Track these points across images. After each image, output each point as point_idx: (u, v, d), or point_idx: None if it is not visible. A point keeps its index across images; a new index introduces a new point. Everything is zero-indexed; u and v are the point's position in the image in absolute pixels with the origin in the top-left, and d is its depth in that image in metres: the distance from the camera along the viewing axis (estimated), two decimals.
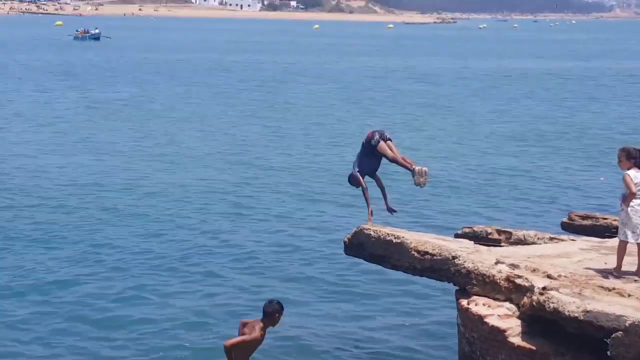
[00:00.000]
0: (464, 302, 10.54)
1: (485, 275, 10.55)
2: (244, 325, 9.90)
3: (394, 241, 11.73)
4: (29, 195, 22.92)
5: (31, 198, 22.57)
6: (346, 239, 12.53)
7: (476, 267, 10.71)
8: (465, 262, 10.88)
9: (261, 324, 9.78)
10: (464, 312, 10.42)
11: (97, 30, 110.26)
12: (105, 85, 52.93)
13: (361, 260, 13.14)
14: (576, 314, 9.05)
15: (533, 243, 12.83)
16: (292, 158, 29.31)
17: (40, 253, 17.81)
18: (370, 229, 12.17)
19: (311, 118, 39.92)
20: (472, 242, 12.26)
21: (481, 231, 13.48)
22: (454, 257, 11.03)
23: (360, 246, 12.26)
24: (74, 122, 37.14)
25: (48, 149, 30.13)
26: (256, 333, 9.69)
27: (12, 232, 19.17)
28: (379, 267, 12.97)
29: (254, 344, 9.74)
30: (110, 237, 19.05)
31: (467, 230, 13.72)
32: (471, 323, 10.27)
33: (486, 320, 10.01)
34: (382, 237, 11.91)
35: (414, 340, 13.58)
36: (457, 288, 11.08)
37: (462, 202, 23.09)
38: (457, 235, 13.60)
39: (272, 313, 9.85)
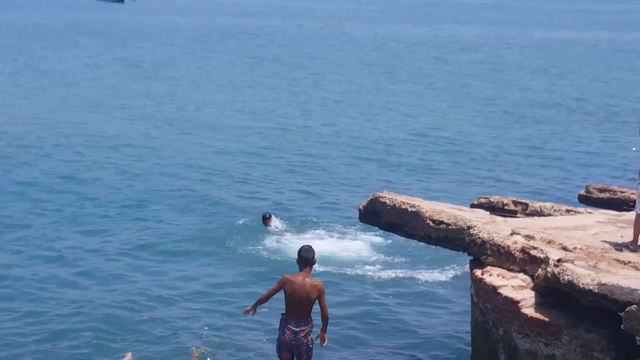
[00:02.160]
0: (478, 272, 10.51)
1: (500, 246, 10.50)
2: (296, 281, 9.66)
3: (409, 210, 11.67)
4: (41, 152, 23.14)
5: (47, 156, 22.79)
6: (361, 207, 12.47)
7: (491, 238, 10.65)
8: (480, 232, 10.83)
9: (307, 272, 9.73)
10: (478, 283, 10.39)
11: None
12: (135, 47, 53.04)
13: (374, 230, 13.12)
14: (591, 287, 9.00)
15: (549, 215, 12.75)
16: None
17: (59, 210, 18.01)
18: (385, 197, 12.12)
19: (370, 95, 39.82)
20: (488, 213, 12.20)
21: (497, 202, 13.41)
22: (469, 227, 10.97)
23: (376, 214, 12.21)
24: (101, 82, 37.35)
25: (72, 107, 30.35)
26: (321, 284, 9.73)
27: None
28: (392, 235, 12.96)
29: None
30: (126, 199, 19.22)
31: (483, 200, 13.65)
32: (485, 293, 10.24)
33: (500, 290, 9.97)
34: (397, 205, 11.86)
35: (426, 308, 13.61)
36: (472, 258, 11.05)
37: (479, 172, 23.01)
38: (472, 205, 13.54)
39: (312, 258, 9.81)
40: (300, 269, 9.76)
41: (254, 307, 9.88)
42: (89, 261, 15.30)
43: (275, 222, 17.20)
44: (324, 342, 9.81)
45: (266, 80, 40.74)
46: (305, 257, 9.75)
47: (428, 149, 25.95)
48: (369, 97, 36.47)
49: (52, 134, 26.11)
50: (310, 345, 9.74)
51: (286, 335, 9.63)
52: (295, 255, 9.95)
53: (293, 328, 9.60)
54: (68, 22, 72.18)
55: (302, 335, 9.62)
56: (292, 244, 15.91)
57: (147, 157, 23.47)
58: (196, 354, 11.39)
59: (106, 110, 31.05)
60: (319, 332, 9.76)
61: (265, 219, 17.20)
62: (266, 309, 12.49)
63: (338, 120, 30.27)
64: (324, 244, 15.92)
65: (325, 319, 9.73)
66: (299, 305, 9.60)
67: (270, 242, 16.35)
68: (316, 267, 14.32)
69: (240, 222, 17.48)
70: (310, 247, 9.95)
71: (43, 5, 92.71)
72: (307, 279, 9.66)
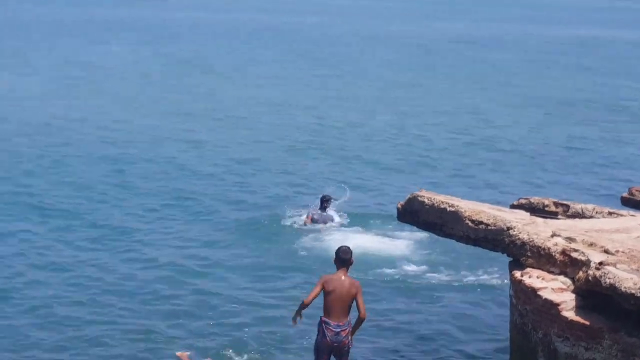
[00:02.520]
0: (517, 273, 10.38)
1: (540, 247, 10.36)
2: (335, 278, 9.70)
3: (448, 209, 11.56)
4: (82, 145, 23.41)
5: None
6: (399, 206, 12.38)
7: (531, 239, 10.52)
8: (520, 233, 10.69)
9: (345, 272, 9.76)
10: (517, 284, 10.27)
11: None
12: (170, 43, 53.47)
13: (413, 228, 13.07)
14: (633, 291, 8.84)
15: (591, 217, 12.56)
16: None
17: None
18: (424, 196, 12.02)
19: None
20: (528, 214, 12.05)
21: (538, 203, 13.24)
22: (508, 228, 10.84)
23: (414, 213, 12.12)
24: (134, 77, 37.68)
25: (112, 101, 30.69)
26: (358, 282, 9.78)
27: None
28: (431, 234, 12.89)
29: None
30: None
31: (523, 201, 13.48)
32: (524, 295, 10.12)
33: (540, 293, 9.84)
34: (436, 204, 11.75)
35: (463, 309, 13.51)
36: (511, 259, 10.92)
37: (519, 172, 22.79)
38: (512, 206, 13.37)
39: (350, 258, 9.86)
40: (338, 269, 9.82)
41: (299, 313, 9.90)
42: (130, 251, 15.62)
43: (330, 213, 17.21)
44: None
45: (305, 77, 40.75)
46: (343, 258, 9.83)
47: (468, 147, 25.76)
48: (406, 94, 36.32)
49: (95, 128, 26.44)
50: (350, 346, 9.75)
51: (327, 338, 9.63)
52: (334, 254, 10.00)
53: (333, 329, 9.60)
54: (108, 17, 72.87)
55: (344, 335, 9.65)
56: (332, 238, 15.97)
57: (189, 151, 23.70)
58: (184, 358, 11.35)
59: (148, 104, 31.34)
60: None
61: (324, 201, 17.21)
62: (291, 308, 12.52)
63: (376, 118, 30.19)
64: (362, 241, 15.97)
65: (360, 319, 9.74)
66: (339, 304, 9.61)
67: (310, 238, 16.37)
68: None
69: (280, 216, 17.55)
70: (348, 247, 10.01)
71: (82, 1, 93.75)
72: (345, 277, 9.73)
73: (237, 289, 13.92)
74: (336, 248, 10.12)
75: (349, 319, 9.72)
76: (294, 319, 9.93)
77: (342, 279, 9.69)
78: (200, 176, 21.17)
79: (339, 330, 9.60)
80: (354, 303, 9.71)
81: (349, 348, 9.76)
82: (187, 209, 18.40)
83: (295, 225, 17.07)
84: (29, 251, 15.41)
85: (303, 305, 9.79)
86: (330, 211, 17.34)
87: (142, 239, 16.31)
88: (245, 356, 11.40)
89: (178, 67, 42.66)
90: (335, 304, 9.62)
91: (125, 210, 18.19)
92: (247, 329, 12.30)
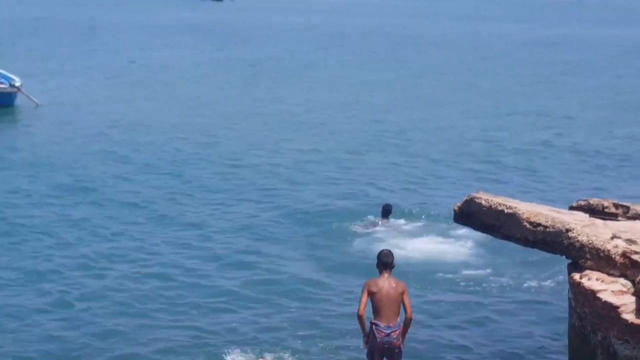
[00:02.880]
0: (576, 276, 10.30)
1: (599, 249, 10.27)
2: (379, 280, 9.82)
3: (506, 211, 11.50)
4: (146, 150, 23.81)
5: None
6: (456, 208, 12.37)
7: (590, 241, 10.43)
8: (579, 235, 10.61)
9: (388, 273, 9.86)
10: (576, 287, 10.20)
11: None
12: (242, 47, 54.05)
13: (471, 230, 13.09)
14: None
15: None
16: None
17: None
18: (481, 198, 11.99)
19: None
20: (587, 215, 11.94)
21: (597, 204, 13.07)
22: (567, 230, 10.76)
23: (471, 215, 12.08)
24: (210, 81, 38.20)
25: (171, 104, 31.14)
26: (403, 284, 9.88)
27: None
28: (488, 236, 12.87)
29: None
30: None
31: (582, 202, 13.33)
32: (583, 298, 10.04)
33: (599, 295, 9.76)
34: (493, 206, 11.70)
35: (521, 311, 13.46)
36: (570, 261, 10.84)
37: (578, 173, 22.52)
38: (571, 208, 13.25)
39: (392, 261, 9.96)
40: (380, 273, 9.94)
41: (364, 330, 9.92)
42: (192, 247, 16.11)
43: (392, 221, 17.33)
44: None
45: (368, 78, 40.72)
46: (385, 261, 9.95)
47: (528, 148, 25.53)
48: (468, 95, 36.12)
49: (160, 129, 26.85)
50: (402, 348, 9.80)
51: (378, 340, 9.69)
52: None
53: (383, 330, 9.66)
54: (170, 20, 73.81)
55: (394, 336, 9.70)
56: (390, 241, 15.90)
57: (246, 155, 23.90)
58: None
59: (211, 105, 31.80)
60: None
61: (386, 211, 17.25)
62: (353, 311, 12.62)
63: (437, 118, 30.13)
64: (421, 243, 16.06)
65: (408, 319, 9.78)
66: (386, 304, 9.69)
67: (368, 241, 16.32)
68: (411, 265, 14.45)
69: (340, 218, 17.66)
70: (390, 251, 10.14)
71: (142, 4, 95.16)
72: (389, 277, 9.85)
73: (295, 288, 14.09)
74: (380, 251, 10.23)
75: (399, 320, 9.77)
76: (365, 341, 9.96)
77: (387, 279, 9.81)
78: (263, 176, 21.37)
79: (389, 331, 9.65)
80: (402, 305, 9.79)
81: (400, 349, 9.79)
82: (248, 208, 18.62)
83: (354, 228, 17.11)
84: (99, 247, 15.94)
85: (359, 317, 9.86)
86: (392, 219, 17.33)
87: (205, 235, 16.73)
88: (300, 355, 11.54)
89: (239, 69, 43.09)
90: (383, 304, 9.70)
91: (189, 207, 18.59)
92: (303, 331, 12.41)
